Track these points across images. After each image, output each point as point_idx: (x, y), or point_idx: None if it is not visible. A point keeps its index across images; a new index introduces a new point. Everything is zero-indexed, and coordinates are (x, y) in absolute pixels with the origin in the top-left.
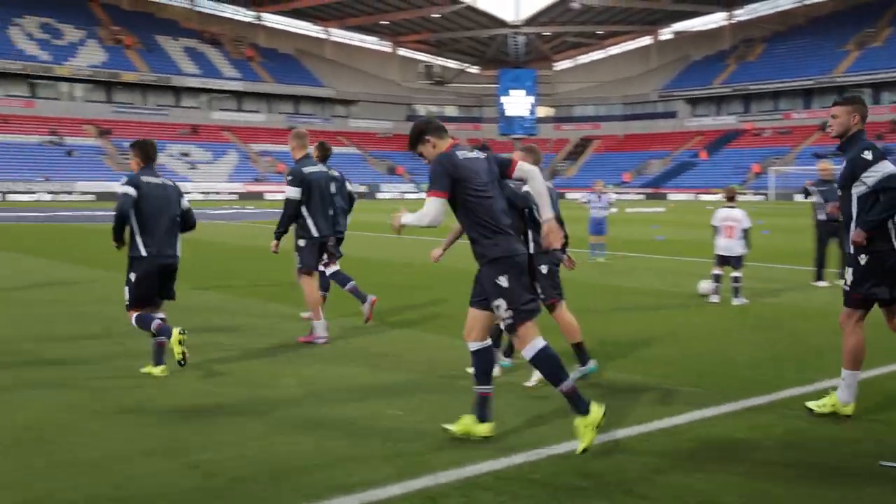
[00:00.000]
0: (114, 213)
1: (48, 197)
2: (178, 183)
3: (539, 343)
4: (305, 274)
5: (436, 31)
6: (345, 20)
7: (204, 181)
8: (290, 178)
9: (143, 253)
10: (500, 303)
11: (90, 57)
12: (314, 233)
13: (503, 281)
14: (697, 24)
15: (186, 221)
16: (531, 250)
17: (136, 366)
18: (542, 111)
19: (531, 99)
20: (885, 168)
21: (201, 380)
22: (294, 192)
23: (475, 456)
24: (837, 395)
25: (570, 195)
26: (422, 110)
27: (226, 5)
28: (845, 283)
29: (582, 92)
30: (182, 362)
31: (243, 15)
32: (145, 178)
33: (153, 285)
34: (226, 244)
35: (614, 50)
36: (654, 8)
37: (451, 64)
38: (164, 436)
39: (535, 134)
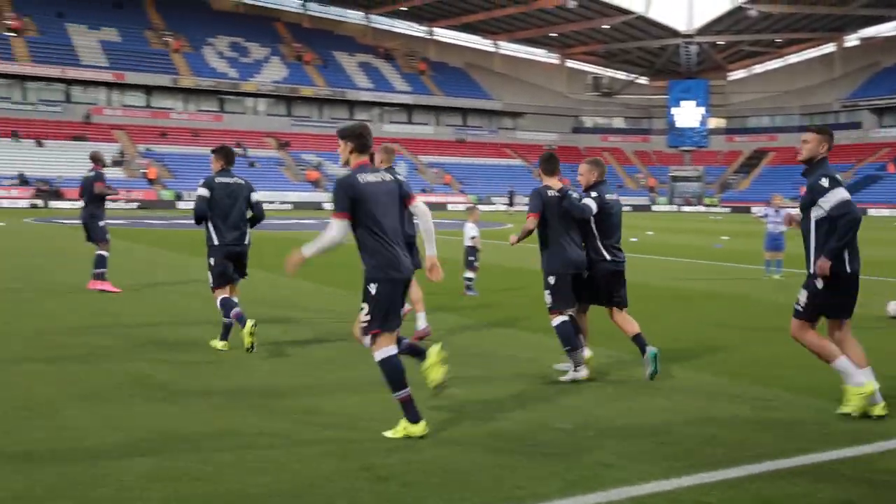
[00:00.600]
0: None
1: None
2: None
3: (391, 350)
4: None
5: (605, 42)
6: (514, 33)
7: None
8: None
9: (216, 242)
10: (364, 307)
11: (273, 73)
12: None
13: (373, 289)
14: (887, 30)
15: (256, 214)
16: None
17: (311, 369)
18: (714, 122)
19: (702, 110)
20: (839, 195)
21: (371, 386)
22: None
23: (646, 474)
24: (851, 383)
25: (752, 209)
26: (588, 122)
27: (400, 21)
28: (798, 304)
29: (757, 102)
30: (250, 349)
31: (416, 30)
32: (218, 180)
33: (227, 268)
34: None
35: (793, 58)
36: (839, 14)
37: (620, 75)
38: (338, 438)
39: (705, 146)
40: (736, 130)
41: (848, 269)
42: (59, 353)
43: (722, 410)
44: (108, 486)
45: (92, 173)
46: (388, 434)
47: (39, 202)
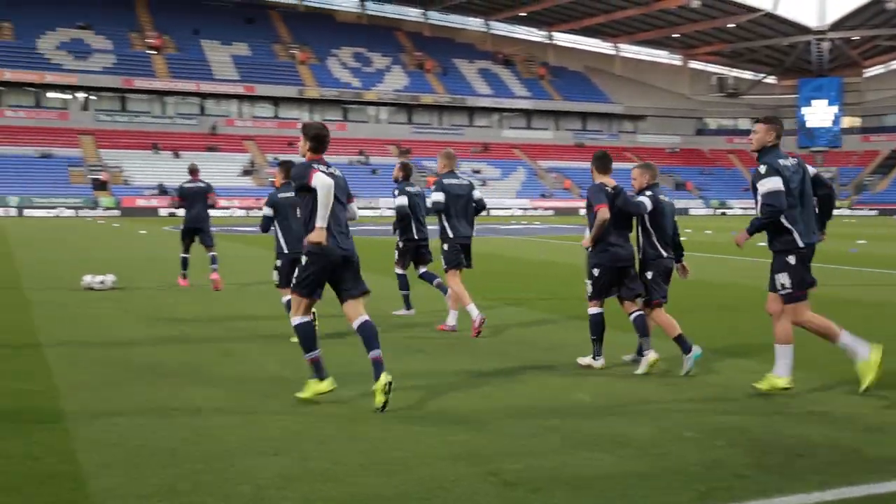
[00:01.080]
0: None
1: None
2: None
3: (305, 318)
4: (453, 269)
5: (730, 41)
6: (635, 35)
7: (494, 197)
8: (433, 188)
9: (286, 250)
10: (295, 273)
11: (394, 82)
12: (450, 234)
13: (303, 261)
14: None
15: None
16: (639, 256)
17: (435, 369)
18: (848, 122)
19: (835, 109)
20: (770, 184)
21: (496, 388)
22: (438, 196)
23: (784, 487)
24: (777, 371)
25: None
26: (713, 124)
27: (519, 26)
28: (783, 288)
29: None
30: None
31: (535, 35)
32: (280, 195)
33: (291, 273)
34: (520, 259)
35: None
36: None
37: (746, 75)
38: (464, 441)
39: (838, 146)
40: (872, 129)
41: (800, 244)
42: (189, 347)
43: (870, 421)
44: (247, 484)
45: (203, 184)
46: (299, 395)
47: (176, 211)
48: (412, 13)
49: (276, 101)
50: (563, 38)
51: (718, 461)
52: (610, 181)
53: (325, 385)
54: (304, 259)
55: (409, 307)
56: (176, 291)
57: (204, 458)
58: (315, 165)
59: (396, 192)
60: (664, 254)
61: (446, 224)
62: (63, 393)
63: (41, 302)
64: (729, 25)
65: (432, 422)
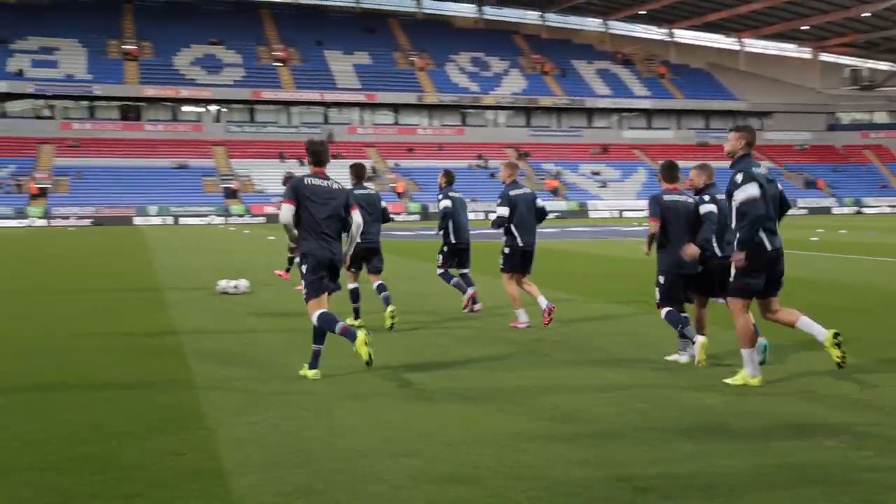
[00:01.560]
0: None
1: (471, 216)
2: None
3: (319, 313)
4: (507, 273)
5: (865, 31)
6: (760, 29)
7: (614, 199)
8: (499, 200)
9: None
10: (302, 283)
11: (512, 85)
12: (519, 242)
13: (303, 269)
14: None
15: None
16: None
17: (564, 370)
18: None
19: None
20: (747, 191)
21: (622, 393)
22: (503, 211)
23: None
24: (746, 371)
25: None
26: (846, 119)
27: (639, 25)
28: (731, 277)
29: None
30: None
31: (655, 33)
32: (356, 192)
33: (355, 260)
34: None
35: None
36: None
37: (882, 66)
38: (594, 445)
39: None
40: None
41: (769, 247)
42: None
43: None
44: (380, 484)
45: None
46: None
47: None
48: (530, 16)
49: (395, 107)
50: (684, 35)
51: (864, 471)
52: (676, 188)
53: (313, 373)
54: (303, 269)
55: (463, 290)
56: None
57: (337, 458)
58: (305, 178)
59: (440, 197)
60: (717, 253)
61: (515, 232)
62: (203, 393)
63: (179, 303)
64: (863, 15)
65: (560, 423)
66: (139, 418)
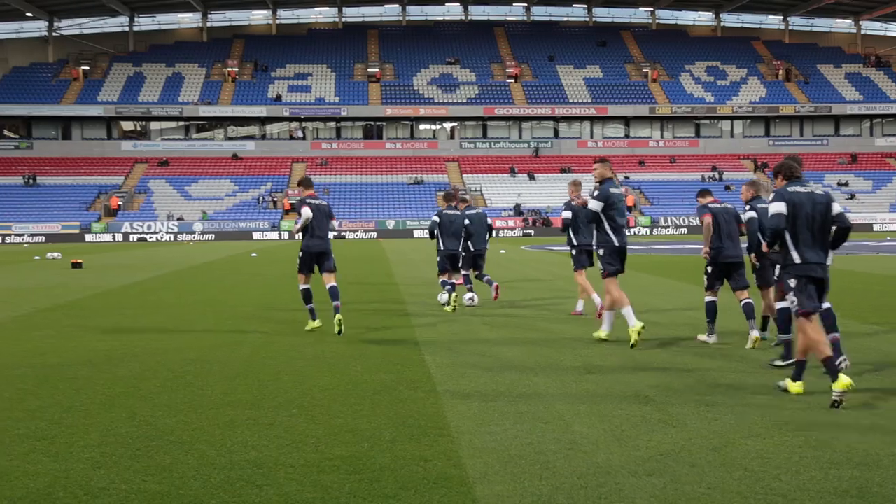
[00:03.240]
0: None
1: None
2: None
3: (306, 286)
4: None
5: None
6: None
7: (863, 211)
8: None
9: (441, 248)
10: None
11: (751, 93)
12: (615, 243)
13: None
14: None
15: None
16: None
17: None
18: None
19: None
20: (591, 205)
21: (887, 418)
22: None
23: None
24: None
25: None
26: None
27: (895, 24)
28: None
29: None
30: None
31: None
32: (445, 212)
33: (446, 263)
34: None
35: None
36: None
37: None
38: (852, 477)
39: None
40: None
41: (616, 244)
42: (555, 362)
43: None
44: (624, 502)
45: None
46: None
47: (532, 231)
48: (771, 21)
49: (626, 120)
50: None
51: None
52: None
53: (315, 323)
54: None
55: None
56: (539, 308)
57: (577, 473)
58: (307, 200)
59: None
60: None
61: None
62: (445, 400)
63: (418, 314)
64: None
65: (815, 453)
66: (388, 423)
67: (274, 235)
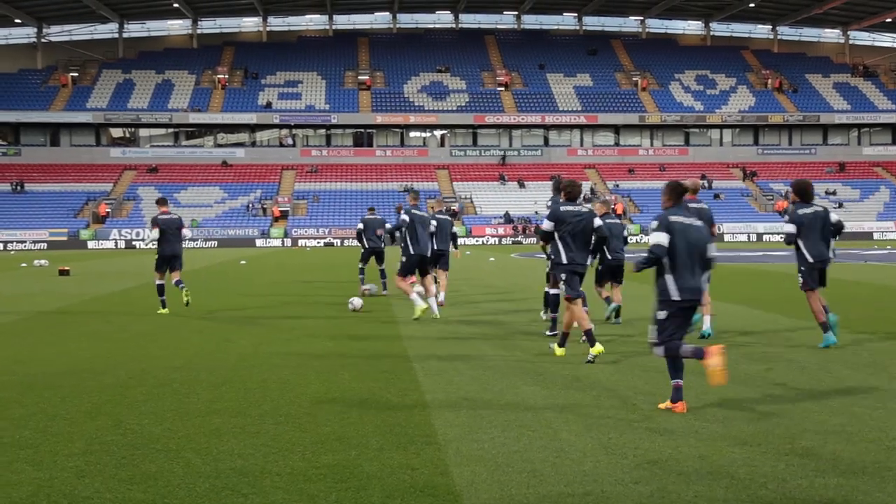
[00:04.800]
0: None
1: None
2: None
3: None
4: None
5: None
6: None
7: (851, 220)
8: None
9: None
10: None
11: (740, 102)
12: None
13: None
14: None
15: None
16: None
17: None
18: None
19: None
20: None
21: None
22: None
23: None
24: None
25: None
26: None
27: (883, 34)
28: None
29: None
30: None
31: None
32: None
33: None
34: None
35: None
36: None
37: None
38: (841, 486)
39: None
40: None
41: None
42: (543, 370)
43: None
44: None
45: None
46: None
47: (521, 239)
48: (760, 30)
49: (616, 128)
50: None
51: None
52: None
53: (164, 310)
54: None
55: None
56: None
57: (564, 481)
58: (160, 217)
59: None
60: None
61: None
62: (433, 408)
63: (406, 321)
64: None
65: (801, 462)
66: (375, 431)
67: (262, 243)
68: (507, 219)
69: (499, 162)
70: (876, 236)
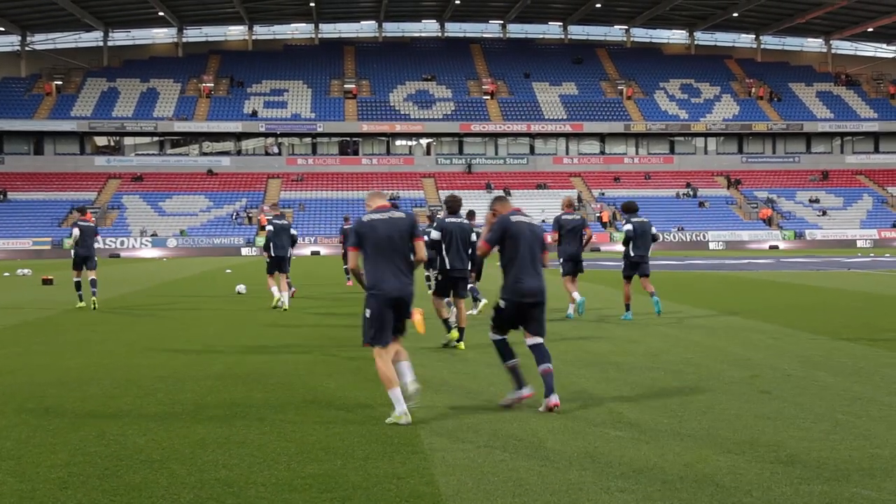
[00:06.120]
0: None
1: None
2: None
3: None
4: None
5: None
6: None
7: (834, 227)
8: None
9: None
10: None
11: (724, 111)
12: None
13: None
14: None
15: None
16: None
17: (788, 411)
18: None
19: None
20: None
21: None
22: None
23: None
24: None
25: None
26: None
27: (865, 43)
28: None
29: None
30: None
31: (885, 51)
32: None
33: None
34: (863, 293)
35: None
36: None
37: None
38: (821, 493)
39: None
40: None
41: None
42: (529, 379)
43: None
44: None
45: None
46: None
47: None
48: (744, 39)
49: (602, 137)
50: None
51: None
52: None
53: (81, 303)
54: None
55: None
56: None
57: (550, 490)
58: (79, 223)
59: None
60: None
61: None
62: (418, 417)
63: None
64: None
65: (784, 469)
66: (361, 440)
67: (248, 251)
68: None
69: (465, 170)
70: (859, 244)
